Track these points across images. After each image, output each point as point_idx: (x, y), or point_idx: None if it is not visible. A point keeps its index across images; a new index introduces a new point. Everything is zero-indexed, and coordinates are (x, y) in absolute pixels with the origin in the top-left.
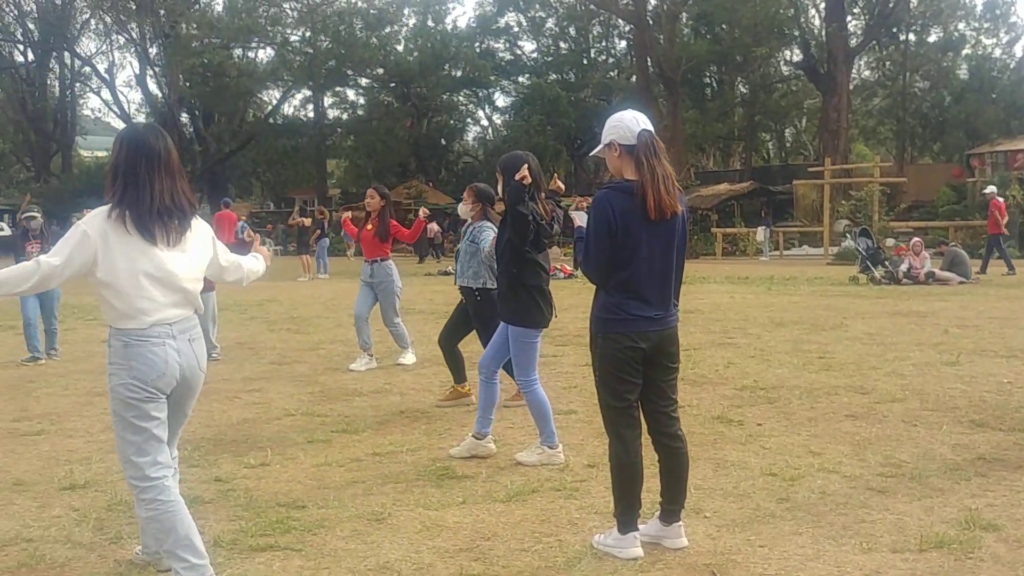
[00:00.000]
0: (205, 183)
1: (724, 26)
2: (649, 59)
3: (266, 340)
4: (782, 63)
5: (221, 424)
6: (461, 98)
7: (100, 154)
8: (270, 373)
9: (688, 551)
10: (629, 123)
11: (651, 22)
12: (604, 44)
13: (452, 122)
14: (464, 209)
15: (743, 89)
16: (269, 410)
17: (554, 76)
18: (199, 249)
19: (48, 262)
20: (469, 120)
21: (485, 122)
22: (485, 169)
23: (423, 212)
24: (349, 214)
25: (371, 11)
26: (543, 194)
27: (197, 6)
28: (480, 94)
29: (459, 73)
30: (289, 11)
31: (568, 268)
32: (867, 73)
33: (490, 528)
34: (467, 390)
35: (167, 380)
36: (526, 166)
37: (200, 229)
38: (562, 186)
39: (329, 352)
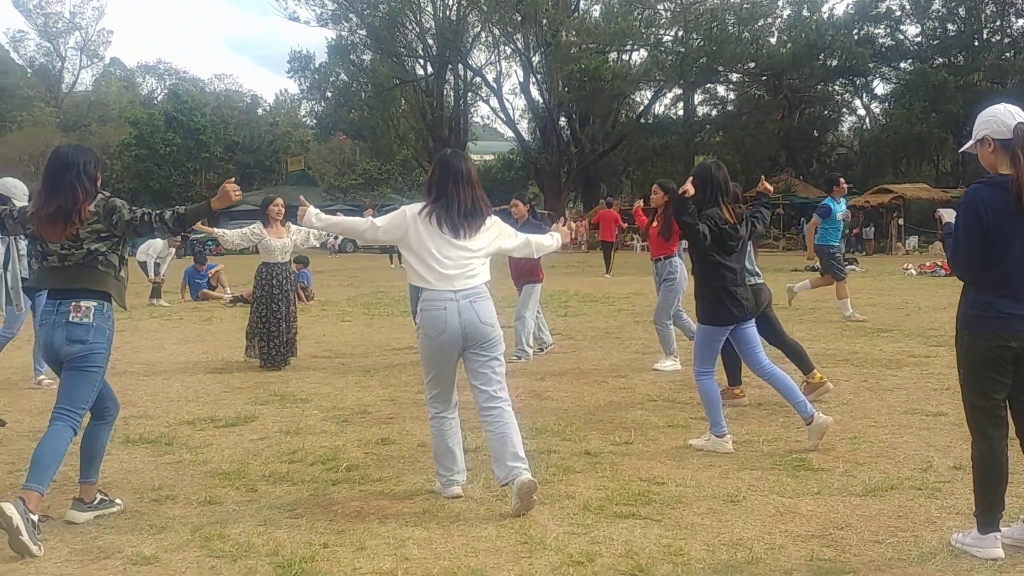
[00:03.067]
0: (579, 183)
1: None
2: None
3: (632, 331)
4: None
5: (590, 405)
6: (836, 87)
7: (488, 157)
8: (635, 362)
9: None
10: (1003, 117)
11: None
12: (998, 23)
13: (826, 113)
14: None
15: None
16: (633, 395)
17: (940, 60)
18: (486, 238)
19: (374, 222)
20: (844, 110)
21: (862, 111)
22: (860, 160)
23: None
24: (640, 202)
25: (744, 6)
26: (729, 199)
27: (576, 14)
28: (857, 82)
29: (835, 62)
30: (662, 12)
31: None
32: None
33: (844, 519)
34: (818, 378)
35: (449, 336)
36: (690, 179)
37: (492, 223)
38: (769, 188)
39: (691, 345)
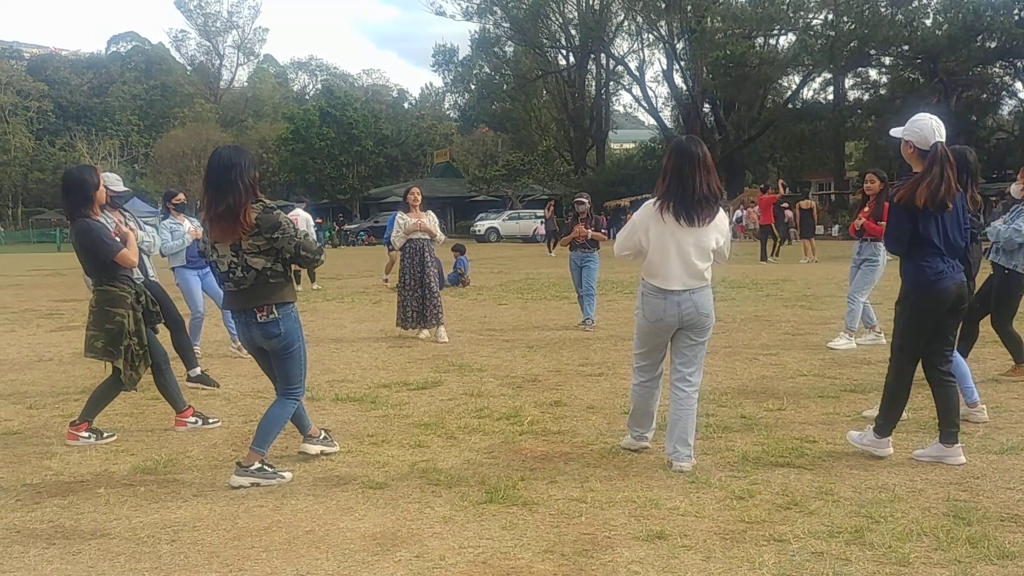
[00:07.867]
0: (722, 170)
1: None
2: None
3: (781, 314)
4: None
5: (743, 378)
6: (996, 70)
7: (628, 146)
8: (785, 342)
9: None
10: None
11: None
12: None
13: (984, 96)
14: (1017, 189)
15: None
16: (784, 370)
17: None
18: (716, 231)
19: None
20: (1004, 93)
21: (1023, 94)
22: (1020, 146)
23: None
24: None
25: None
26: (979, 183)
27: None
28: (1018, 64)
29: (993, 44)
30: None
31: None
32: None
33: (980, 471)
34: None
35: (665, 323)
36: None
37: (721, 215)
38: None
39: (841, 327)
